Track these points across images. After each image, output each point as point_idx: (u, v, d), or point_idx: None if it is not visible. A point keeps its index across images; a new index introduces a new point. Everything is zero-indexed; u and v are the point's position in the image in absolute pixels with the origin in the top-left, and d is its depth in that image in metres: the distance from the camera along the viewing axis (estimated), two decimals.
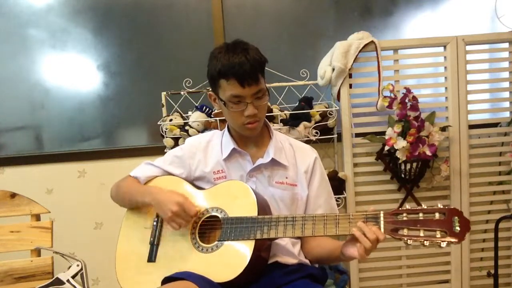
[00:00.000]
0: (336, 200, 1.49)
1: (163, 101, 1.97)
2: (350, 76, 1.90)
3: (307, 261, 1.29)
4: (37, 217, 1.61)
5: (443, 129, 1.85)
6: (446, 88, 1.92)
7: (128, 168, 1.43)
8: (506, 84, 1.95)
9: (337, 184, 1.89)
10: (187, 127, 1.85)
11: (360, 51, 1.86)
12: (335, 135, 1.95)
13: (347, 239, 1.11)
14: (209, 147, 1.35)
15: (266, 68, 1.25)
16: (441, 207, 0.99)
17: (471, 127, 1.93)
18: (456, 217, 0.98)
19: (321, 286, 1.24)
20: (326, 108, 1.95)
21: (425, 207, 1.01)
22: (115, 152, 2.17)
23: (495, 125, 1.99)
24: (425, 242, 0.97)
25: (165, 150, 1.83)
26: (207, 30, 2.17)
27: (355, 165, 1.95)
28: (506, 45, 1.91)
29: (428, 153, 1.74)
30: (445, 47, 1.89)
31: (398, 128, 1.75)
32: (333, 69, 1.86)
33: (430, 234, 0.98)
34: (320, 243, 1.27)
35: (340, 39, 1.88)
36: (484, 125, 1.97)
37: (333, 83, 1.90)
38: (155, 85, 2.15)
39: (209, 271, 1.12)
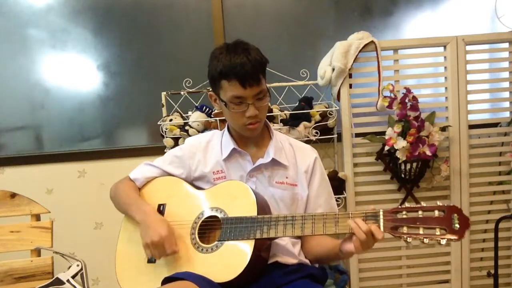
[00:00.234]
0: (336, 200, 1.49)
1: (163, 101, 1.97)
2: (350, 76, 1.90)
3: (307, 261, 1.29)
4: (37, 217, 1.61)
5: (443, 129, 1.85)
6: (446, 88, 1.92)
7: (128, 168, 1.43)
8: (506, 84, 1.95)
9: (337, 184, 1.89)
10: (187, 127, 1.85)
11: (360, 51, 1.86)
12: (335, 135, 1.95)
13: (345, 237, 1.12)
14: (209, 147, 1.35)
15: (266, 68, 1.25)
16: (441, 204, 0.99)
17: (471, 127, 1.93)
18: (456, 215, 0.98)
19: (321, 286, 1.24)
20: (326, 108, 1.95)
21: (425, 205, 1.01)
22: (115, 152, 2.17)
23: (495, 125, 1.99)
24: (424, 239, 0.97)
25: (165, 150, 1.83)
26: (207, 30, 2.17)
27: (355, 165, 1.95)
28: (506, 45, 1.90)
29: (428, 153, 1.74)
30: (445, 47, 1.89)
31: (398, 128, 1.75)
32: (333, 69, 1.86)
33: (429, 232, 0.98)
34: (319, 242, 1.27)
35: (340, 39, 1.88)
36: (484, 125, 1.97)
37: (333, 83, 1.90)
38: (155, 85, 2.15)
39: (209, 271, 1.12)
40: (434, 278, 2.01)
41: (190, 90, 1.95)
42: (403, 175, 1.87)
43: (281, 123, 1.86)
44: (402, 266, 2.00)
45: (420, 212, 1.00)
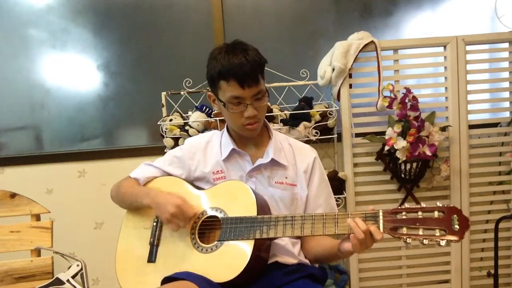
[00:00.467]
0: (336, 200, 1.49)
1: (163, 101, 1.97)
2: (350, 76, 1.90)
3: (307, 261, 1.29)
4: (37, 217, 1.61)
5: (443, 129, 1.85)
6: (446, 88, 1.92)
7: (128, 168, 1.43)
8: (506, 84, 1.95)
9: (337, 184, 1.89)
10: (187, 127, 1.85)
11: (360, 51, 1.86)
12: (335, 135, 1.95)
13: (344, 236, 1.12)
14: (208, 148, 1.35)
15: (266, 68, 1.25)
16: (440, 205, 0.99)
17: (471, 127, 1.93)
18: (455, 215, 0.98)
19: (321, 286, 1.24)
20: (326, 108, 1.95)
21: (424, 206, 1.01)
22: (115, 152, 2.17)
23: (495, 125, 1.99)
24: (424, 240, 0.97)
25: (165, 150, 1.83)
26: (207, 30, 2.17)
27: (355, 165, 1.95)
28: (506, 45, 1.90)
29: (428, 153, 1.74)
30: (445, 47, 1.89)
31: (398, 128, 1.75)
32: (333, 69, 1.86)
33: (429, 233, 0.98)
34: (319, 242, 1.27)
35: (340, 39, 1.88)
36: (484, 125, 1.97)
37: (333, 83, 1.90)
38: (155, 85, 2.15)
39: (209, 271, 1.12)
40: (434, 278, 2.01)
41: (190, 90, 1.95)
42: (403, 175, 1.87)
43: (281, 123, 1.86)
44: (402, 266, 2.00)
45: (419, 213, 1.00)
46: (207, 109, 1.88)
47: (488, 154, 1.96)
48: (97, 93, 2.22)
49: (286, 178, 1.30)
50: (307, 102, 1.91)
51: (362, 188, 1.95)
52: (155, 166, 1.37)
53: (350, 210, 1.93)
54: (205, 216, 1.23)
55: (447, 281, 2.01)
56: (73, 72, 2.20)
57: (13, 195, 1.61)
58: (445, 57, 1.90)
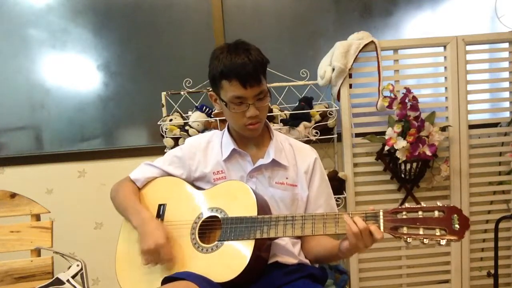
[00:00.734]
0: (336, 200, 1.50)
1: (163, 101, 1.97)
2: (350, 76, 1.90)
3: (307, 261, 1.29)
4: (37, 217, 1.61)
5: (443, 129, 1.85)
6: (446, 88, 1.92)
7: (128, 168, 1.43)
8: (506, 84, 1.95)
9: (337, 184, 1.89)
10: (187, 127, 1.85)
11: (360, 51, 1.86)
12: (335, 135, 1.95)
13: (345, 236, 1.12)
14: (208, 148, 1.35)
15: (267, 68, 1.25)
16: (441, 205, 1.00)
17: (471, 127, 1.93)
18: (456, 215, 0.98)
19: (321, 286, 1.24)
20: (326, 108, 1.95)
21: (424, 205, 1.01)
22: (115, 152, 2.17)
23: (495, 125, 1.99)
24: (424, 240, 0.97)
25: (165, 150, 1.83)
26: (207, 30, 2.17)
27: (355, 165, 1.95)
28: (506, 45, 1.91)
29: (428, 153, 1.74)
30: (445, 47, 1.89)
31: (398, 128, 1.76)
32: (333, 69, 1.86)
33: (429, 232, 0.98)
34: (319, 242, 1.27)
35: (340, 39, 1.88)
36: (484, 125, 1.97)
37: (333, 83, 1.90)
38: (155, 85, 2.15)
39: (209, 271, 1.12)
40: (434, 278, 2.01)
41: (190, 90, 1.95)
42: (403, 175, 1.87)
43: (281, 123, 1.86)
44: (402, 266, 2.00)
45: (420, 213, 1.00)
46: (207, 109, 1.88)
47: (488, 154, 1.96)
48: (97, 93, 2.22)
49: (287, 178, 1.30)
50: (307, 102, 1.91)
51: (362, 188, 1.95)
52: (155, 166, 1.37)
53: (350, 210, 1.92)
54: (205, 216, 1.23)
55: (447, 281, 2.01)
56: (73, 72, 2.20)
57: (13, 195, 1.61)
58: (445, 57, 1.90)
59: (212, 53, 1.24)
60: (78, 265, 1.46)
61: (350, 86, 1.91)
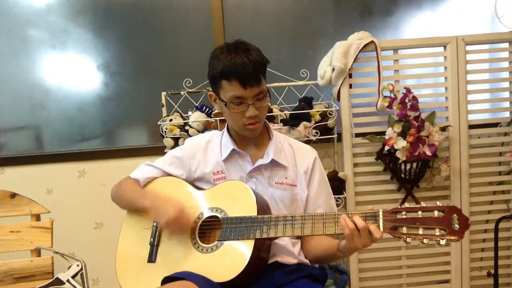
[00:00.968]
0: (336, 200, 1.50)
1: (163, 101, 1.97)
2: (350, 76, 1.90)
3: (307, 261, 1.29)
4: (37, 217, 1.61)
5: (443, 129, 1.85)
6: (446, 88, 1.92)
7: (128, 168, 1.43)
8: (506, 84, 1.95)
9: (337, 184, 1.89)
10: (187, 127, 1.85)
11: (360, 51, 1.86)
12: (335, 135, 1.95)
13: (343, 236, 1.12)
14: (208, 148, 1.35)
15: (266, 68, 1.25)
16: (440, 205, 0.99)
17: (471, 127, 1.93)
18: (455, 215, 0.98)
19: (321, 286, 1.24)
20: (326, 108, 1.95)
21: (424, 205, 1.01)
22: (115, 152, 2.17)
23: (495, 125, 1.99)
24: (424, 240, 0.97)
25: (165, 150, 1.83)
26: (207, 30, 2.17)
27: (355, 165, 1.95)
28: (506, 45, 1.91)
29: (428, 153, 1.74)
30: (445, 47, 1.89)
31: (398, 128, 1.75)
32: (333, 69, 1.86)
33: (429, 232, 0.98)
34: (318, 242, 1.27)
35: (340, 39, 1.88)
36: (484, 125, 1.97)
37: (333, 83, 1.90)
38: (155, 85, 2.15)
39: (209, 271, 1.12)
40: (434, 278, 2.01)
41: (190, 90, 1.95)
42: (403, 175, 1.87)
43: (281, 123, 1.86)
44: (402, 266, 2.00)
45: (419, 213, 1.00)
46: (207, 109, 1.88)
47: (488, 154, 1.96)
48: (97, 93, 2.22)
49: (286, 178, 1.30)
50: (307, 102, 1.91)
51: (362, 188, 1.95)
52: (155, 167, 1.37)
53: (350, 210, 1.92)
54: (205, 216, 1.23)
55: (447, 281, 2.01)
56: (73, 72, 2.20)
57: (13, 195, 1.61)
58: (445, 57, 1.90)
59: (212, 53, 1.24)
60: (78, 265, 1.47)
61: (350, 86, 1.91)
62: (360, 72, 1.92)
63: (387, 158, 1.90)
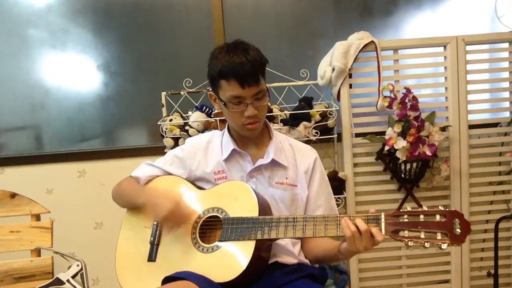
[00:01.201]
0: (336, 200, 1.49)
1: (163, 101, 1.97)
2: (350, 76, 1.90)
3: (307, 261, 1.29)
4: (37, 217, 1.61)
5: (443, 129, 1.85)
6: (446, 88, 1.92)
7: (128, 168, 1.43)
8: (506, 84, 1.95)
9: (337, 184, 1.89)
10: (187, 127, 1.85)
11: (360, 51, 1.86)
12: (335, 135, 1.95)
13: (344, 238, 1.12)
14: (209, 148, 1.35)
15: (266, 68, 1.25)
16: (442, 209, 1.00)
17: (471, 127, 1.93)
18: (457, 220, 0.98)
19: (321, 286, 1.24)
20: (326, 108, 1.95)
21: (426, 209, 1.01)
22: (115, 152, 2.17)
23: (495, 125, 1.99)
24: (425, 244, 0.98)
25: (165, 150, 1.83)
26: (207, 30, 2.17)
27: (355, 165, 1.95)
28: (506, 45, 1.91)
29: (428, 153, 1.74)
30: (445, 47, 1.89)
31: (398, 128, 1.75)
32: (333, 69, 1.86)
33: (430, 236, 0.98)
34: (319, 243, 1.27)
35: (340, 39, 1.88)
36: (484, 125, 1.97)
37: (333, 83, 1.90)
38: (155, 85, 2.15)
39: (209, 271, 1.12)
40: (434, 278, 2.01)
41: (190, 90, 1.95)
42: (403, 175, 1.87)
43: (281, 123, 1.86)
44: (402, 266, 2.00)
45: (421, 216, 1.00)
46: (207, 109, 1.88)
47: (488, 154, 1.96)
48: (97, 93, 2.22)
49: (287, 178, 1.30)
50: (307, 102, 1.91)
51: (362, 188, 1.95)
52: (156, 166, 1.37)
53: (350, 210, 1.93)
54: (206, 216, 1.23)
55: (447, 281, 2.01)
56: (73, 72, 2.20)
57: (13, 195, 1.61)
58: (445, 57, 1.90)
59: (211, 53, 1.24)
60: (78, 265, 1.47)
61: (350, 86, 1.91)
62: (360, 72, 1.92)
63: (387, 158, 1.90)
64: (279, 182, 1.29)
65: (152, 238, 1.26)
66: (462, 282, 1.99)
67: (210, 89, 1.29)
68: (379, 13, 2.21)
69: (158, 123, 1.90)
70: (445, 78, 1.92)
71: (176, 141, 1.88)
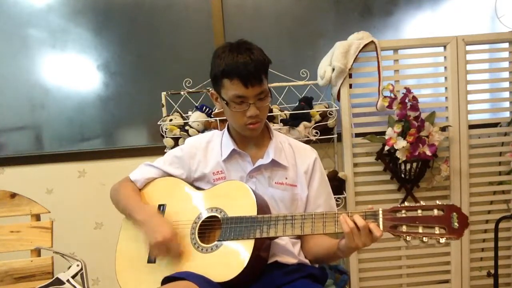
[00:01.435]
0: (336, 200, 1.49)
1: (163, 101, 1.97)
2: (350, 76, 1.90)
3: (307, 261, 1.29)
4: (37, 217, 1.61)
5: (443, 129, 1.85)
6: (446, 88, 1.92)
7: (128, 168, 1.43)
8: (506, 84, 1.95)
9: (337, 184, 1.89)
10: (187, 127, 1.85)
11: (360, 51, 1.86)
12: (335, 135, 1.95)
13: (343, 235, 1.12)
14: (208, 148, 1.35)
15: (268, 68, 1.25)
16: (440, 203, 1.00)
17: (471, 127, 1.93)
18: (455, 213, 0.98)
19: (321, 286, 1.25)
20: (326, 108, 1.95)
21: (424, 204, 1.01)
22: (115, 152, 2.17)
23: (495, 125, 1.99)
24: (424, 238, 0.97)
25: (165, 150, 1.83)
26: (207, 30, 2.17)
27: (355, 165, 1.95)
28: (506, 45, 1.90)
29: (428, 153, 1.74)
30: (445, 47, 1.89)
31: (398, 128, 1.76)
32: (333, 69, 1.86)
33: (429, 231, 0.98)
34: (318, 242, 1.27)
35: (340, 39, 1.88)
36: (484, 125, 1.97)
37: (333, 83, 1.90)
38: (155, 85, 2.15)
39: (209, 271, 1.12)
40: (434, 278, 2.01)
41: (190, 90, 1.95)
42: (403, 175, 1.87)
43: (281, 123, 1.86)
44: (402, 266, 2.00)
45: (419, 211, 1.00)
46: (207, 109, 1.88)
47: (488, 154, 1.96)
48: (97, 93, 2.22)
49: (286, 178, 1.30)
50: (307, 102, 1.91)
51: (362, 188, 1.95)
52: (155, 167, 1.37)
53: (350, 210, 1.92)
54: (205, 217, 1.23)
55: (447, 281, 2.01)
56: (73, 72, 2.20)
57: (13, 195, 1.61)
58: (445, 57, 1.90)
59: (214, 52, 1.24)
60: (78, 265, 1.47)
61: (350, 86, 1.91)
62: (360, 72, 1.92)
63: (387, 158, 1.90)
64: (279, 182, 1.29)
65: None
66: (462, 282, 1.98)
67: (212, 88, 1.29)
68: (379, 13, 2.21)
69: (158, 123, 1.90)
70: (445, 78, 1.92)
71: (176, 141, 1.88)
